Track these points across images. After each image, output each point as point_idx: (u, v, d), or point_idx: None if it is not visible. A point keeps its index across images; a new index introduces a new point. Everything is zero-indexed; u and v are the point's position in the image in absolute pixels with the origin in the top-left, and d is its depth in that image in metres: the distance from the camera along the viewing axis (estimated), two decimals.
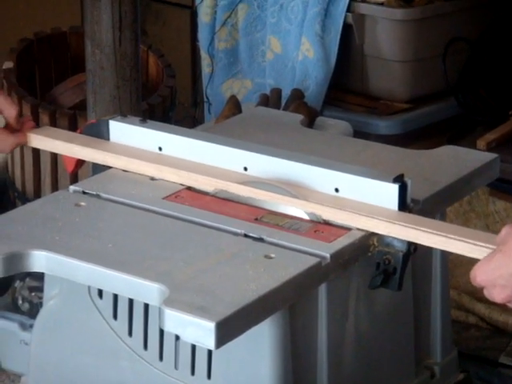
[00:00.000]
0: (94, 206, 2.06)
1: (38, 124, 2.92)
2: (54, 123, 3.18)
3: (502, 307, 3.46)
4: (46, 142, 2.17)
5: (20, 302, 3.31)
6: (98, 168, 2.20)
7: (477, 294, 3.48)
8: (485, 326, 3.48)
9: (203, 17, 3.69)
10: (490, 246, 1.87)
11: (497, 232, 1.91)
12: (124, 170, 2.16)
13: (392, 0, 3.53)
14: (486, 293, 1.72)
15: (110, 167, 2.18)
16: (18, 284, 3.24)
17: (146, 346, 1.96)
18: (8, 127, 2.15)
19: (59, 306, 2.05)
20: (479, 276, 1.71)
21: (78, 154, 2.18)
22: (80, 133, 2.24)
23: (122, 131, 2.20)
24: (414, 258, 1.98)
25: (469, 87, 3.63)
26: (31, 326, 2.34)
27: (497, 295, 1.70)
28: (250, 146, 2.11)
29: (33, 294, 3.17)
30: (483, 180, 2.33)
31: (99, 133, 2.21)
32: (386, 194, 1.98)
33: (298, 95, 3.42)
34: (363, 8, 3.53)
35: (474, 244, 1.91)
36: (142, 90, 2.99)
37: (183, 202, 2.05)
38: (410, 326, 2.17)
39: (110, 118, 2.24)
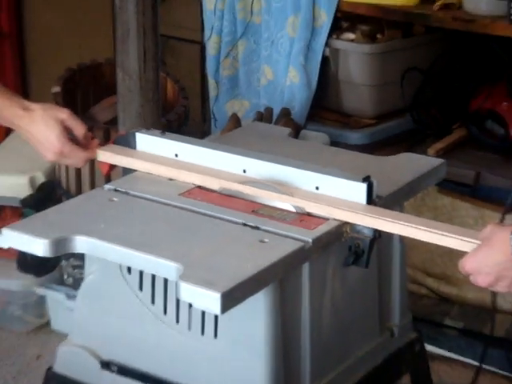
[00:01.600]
0: (124, 201, 2.05)
1: None
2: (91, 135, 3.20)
3: (447, 282, 3.46)
4: (111, 156, 2.17)
5: (65, 277, 3.31)
6: (127, 170, 2.20)
7: (427, 271, 3.48)
8: (433, 296, 3.49)
9: (210, 50, 3.69)
10: (433, 230, 1.88)
11: (444, 221, 1.92)
12: (147, 173, 2.16)
13: (360, 37, 3.52)
14: (473, 279, 1.73)
15: (136, 170, 2.18)
16: (63, 263, 3.24)
17: (165, 312, 1.96)
18: (77, 144, 2.13)
19: (96, 281, 2.05)
20: (467, 265, 1.73)
21: (133, 165, 2.19)
22: (112, 143, 2.24)
23: (146, 141, 2.20)
24: (378, 242, 1.98)
25: (421, 107, 3.63)
26: (74, 296, 2.33)
27: (481, 281, 1.72)
28: (248, 153, 2.11)
29: (75, 270, 3.17)
30: (433, 180, 2.34)
31: (128, 143, 2.21)
32: (357, 191, 1.98)
33: (286, 113, 3.42)
34: (338, 44, 3.52)
35: (425, 230, 1.92)
36: (162, 109, 2.98)
37: (195, 197, 2.05)
38: (375, 296, 2.17)
39: (136, 131, 2.24)
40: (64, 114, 2.13)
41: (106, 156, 2.18)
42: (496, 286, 1.71)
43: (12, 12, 4.18)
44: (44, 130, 2.11)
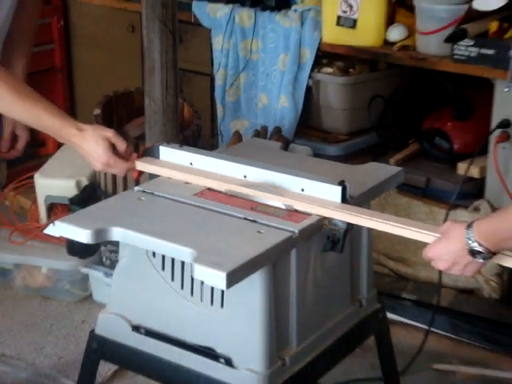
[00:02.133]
0: (150, 200, 2.06)
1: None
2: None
3: (404, 264, 3.46)
4: (146, 166, 2.19)
5: (104, 259, 3.30)
6: (153, 176, 2.20)
7: (388, 255, 3.48)
8: (393, 275, 3.49)
9: (218, 81, 3.69)
10: (394, 224, 1.88)
11: (402, 216, 1.92)
12: (168, 177, 2.16)
13: (336, 71, 3.52)
14: (434, 264, 1.76)
15: (160, 176, 2.19)
16: (102, 248, 3.24)
17: (182, 287, 1.96)
18: (119, 156, 2.14)
19: (128, 262, 2.05)
20: (430, 253, 1.76)
21: (157, 171, 2.20)
22: (141, 154, 2.23)
23: (167, 153, 2.21)
24: (350, 232, 1.98)
25: (384, 126, 3.63)
26: (111, 275, 2.33)
27: (441, 266, 1.74)
28: (247, 162, 2.12)
29: (112, 254, 3.17)
30: (393, 184, 2.33)
31: (153, 153, 2.22)
32: (333, 192, 1.98)
33: (278, 131, 3.42)
34: (318, 76, 3.52)
35: (386, 223, 1.92)
36: (179, 127, 2.98)
37: (206, 197, 2.05)
38: (347, 275, 2.17)
39: (160, 144, 2.24)
40: (109, 133, 2.15)
41: (142, 166, 2.19)
42: (452, 270, 1.73)
43: (63, 51, 4.18)
44: (94, 146, 2.12)
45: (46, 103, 2.18)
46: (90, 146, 2.13)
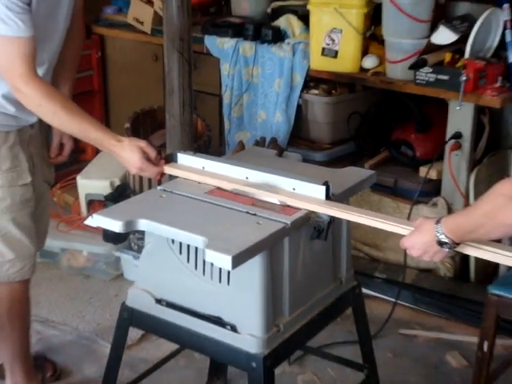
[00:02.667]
0: (169, 197, 2.05)
1: None
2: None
3: (376, 249, 3.46)
4: (171, 170, 2.18)
5: (133, 245, 3.31)
6: (172, 177, 2.19)
7: (363, 242, 3.47)
8: (367, 258, 3.50)
9: (225, 100, 3.68)
10: (369, 218, 1.87)
11: (374, 211, 1.91)
12: (185, 178, 2.15)
13: (321, 92, 3.52)
14: (408, 252, 1.76)
15: (178, 177, 2.18)
16: (131, 236, 3.25)
17: (196, 268, 1.95)
18: (150, 162, 2.14)
19: (152, 248, 2.04)
20: (405, 243, 1.75)
21: (177, 173, 2.19)
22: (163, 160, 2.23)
23: (184, 158, 2.20)
24: (332, 224, 1.97)
25: (360, 137, 3.62)
26: (138, 257, 2.33)
27: (414, 254, 1.74)
28: (249, 166, 2.11)
29: (139, 241, 3.18)
30: (367, 184, 2.31)
31: (172, 159, 2.21)
32: (319, 191, 1.97)
33: (273, 141, 3.41)
34: (307, 96, 3.51)
35: (361, 216, 1.91)
36: (193, 138, 2.98)
37: (215, 195, 2.04)
38: (330, 258, 2.16)
39: (178, 152, 2.24)
40: (143, 143, 2.16)
41: (168, 170, 2.18)
42: (423, 257, 1.73)
43: (100, 77, 4.19)
44: (130, 154, 2.13)
45: (91, 119, 2.19)
46: (127, 154, 2.14)
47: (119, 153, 2.16)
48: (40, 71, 2.20)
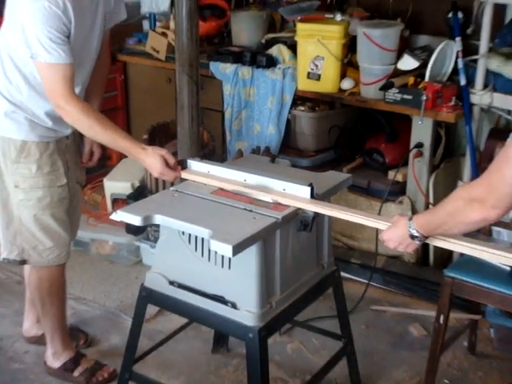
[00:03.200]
0: (181, 196, 2.05)
1: None
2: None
3: (352, 239, 3.45)
4: (187, 175, 2.17)
5: (150, 236, 3.30)
6: (183, 180, 2.19)
7: (342, 233, 3.46)
8: (346, 247, 3.49)
9: (227, 115, 3.67)
10: (348, 214, 1.86)
11: (351, 207, 1.91)
12: (193, 181, 2.15)
13: (307, 109, 3.52)
14: (386, 243, 1.75)
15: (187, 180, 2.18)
16: (149, 228, 3.24)
17: (202, 255, 1.95)
18: (170, 168, 2.16)
19: (166, 238, 2.04)
20: (384, 236, 1.75)
21: (188, 177, 2.18)
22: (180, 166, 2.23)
23: (192, 164, 2.20)
24: (316, 218, 1.97)
25: (339, 146, 3.62)
26: (155, 246, 2.33)
27: (391, 246, 1.73)
28: (247, 170, 2.11)
29: (155, 232, 3.16)
30: (345, 185, 2.32)
31: (183, 165, 2.20)
32: (305, 191, 1.98)
33: (267, 149, 3.41)
34: (295, 112, 3.51)
35: (340, 212, 1.90)
36: (200, 147, 2.97)
37: (218, 194, 2.04)
38: (314, 247, 2.17)
39: (187, 158, 2.24)
40: (164, 151, 2.17)
41: (184, 175, 2.18)
42: (398, 248, 1.73)
43: (123, 96, 4.18)
44: (153, 160, 2.14)
45: (120, 130, 2.22)
46: (150, 161, 2.15)
47: (144, 159, 2.17)
48: (76, 90, 2.22)
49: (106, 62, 2.60)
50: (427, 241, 1.69)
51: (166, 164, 2.16)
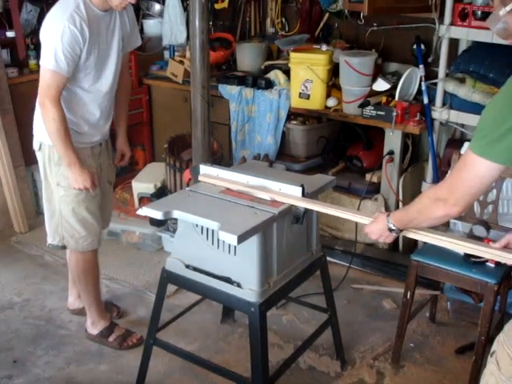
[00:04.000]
0: (194, 195, 2.04)
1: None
2: (180, 166, 3.17)
3: (336, 230, 3.45)
4: (204, 178, 2.16)
5: (170, 227, 3.29)
6: (196, 182, 2.18)
7: (327, 225, 3.45)
8: (331, 236, 3.47)
9: (232, 128, 3.66)
10: (334, 210, 1.86)
11: (335, 204, 1.89)
12: (205, 182, 2.14)
13: (299, 123, 3.51)
14: (369, 236, 1.75)
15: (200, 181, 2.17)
16: (169, 221, 3.23)
17: (212, 243, 1.95)
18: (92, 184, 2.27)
19: (183, 230, 2.04)
20: (367, 230, 1.75)
21: (207, 180, 2.17)
22: (189, 169, 2.22)
23: (204, 169, 2.18)
24: (307, 213, 1.97)
25: (326, 153, 3.60)
26: (174, 236, 2.32)
27: (373, 237, 1.73)
28: (249, 173, 2.10)
29: (174, 224, 3.15)
30: (330, 186, 2.31)
31: (196, 169, 2.19)
32: (297, 191, 1.97)
33: (266, 156, 3.41)
34: (289, 125, 3.49)
35: (324, 207, 1.90)
36: (211, 154, 2.96)
37: (225, 193, 2.03)
38: (305, 236, 2.16)
39: (200, 164, 2.23)
40: (93, 175, 2.32)
41: (202, 178, 2.16)
42: (379, 239, 1.72)
43: (148, 113, 4.18)
44: (85, 175, 2.28)
45: (72, 145, 2.23)
46: (84, 175, 2.29)
47: (77, 171, 2.22)
48: (96, 104, 2.29)
49: (127, 82, 2.59)
50: (403, 233, 1.69)
51: (93, 181, 2.26)
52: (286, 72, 3.51)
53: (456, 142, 3.23)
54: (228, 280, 1.95)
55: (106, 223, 2.66)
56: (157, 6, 4.34)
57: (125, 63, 2.47)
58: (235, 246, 1.88)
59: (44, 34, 2.12)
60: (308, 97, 3.35)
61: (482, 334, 2.21)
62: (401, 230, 1.68)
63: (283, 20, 3.97)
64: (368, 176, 3.33)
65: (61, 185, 2.32)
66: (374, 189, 3.32)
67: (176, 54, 4.04)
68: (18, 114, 3.49)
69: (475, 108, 2.93)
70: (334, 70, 3.37)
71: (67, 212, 2.35)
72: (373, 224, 1.74)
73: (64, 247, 2.45)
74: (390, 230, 1.68)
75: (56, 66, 2.09)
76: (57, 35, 2.07)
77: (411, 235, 1.71)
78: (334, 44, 3.58)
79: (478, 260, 2.22)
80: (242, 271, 1.92)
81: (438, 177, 3.15)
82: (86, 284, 2.52)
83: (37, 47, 3.51)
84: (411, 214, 1.59)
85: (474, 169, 1.32)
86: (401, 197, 3.25)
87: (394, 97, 3.14)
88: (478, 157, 1.30)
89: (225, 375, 2.14)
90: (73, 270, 2.53)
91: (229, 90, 3.61)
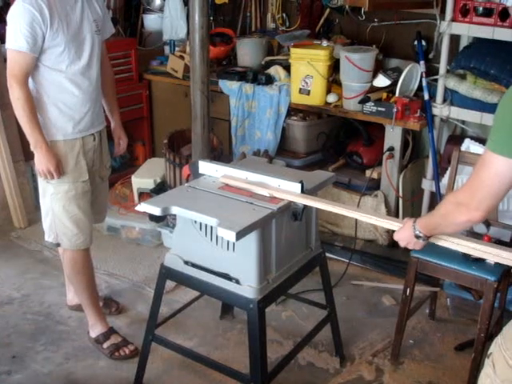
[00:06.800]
0: (193, 191, 2.03)
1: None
2: (180, 161, 3.15)
3: (336, 226, 3.44)
4: (226, 180, 2.15)
5: (169, 223, 3.28)
6: (195, 177, 2.17)
7: (327, 221, 3.44)
8: (330, 233, 3.46)
9: (233, 124, 3.65)
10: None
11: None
12: (204, 178, 2.13)
13: (299, 119, 3.50)
14: (399, 243, 1.68)
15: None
16: (168, 217, 3.22)
17: (211, 239, 1.94)
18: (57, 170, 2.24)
19: (182, 225, 2.03)
20: (396, 237, 1.68)
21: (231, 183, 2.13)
22: (188, 165, 2.21)
23: (203, 165, 2.17)
24: (306, 209, 1.96)
25: (325, 149, 3.60)
26: (173, 232, 2.31)
27: (402, 244, 1.67)
28: (248, 169, 2.09)
29: (173, 220, 3.14)
30: (330, 182, 2.28)
31: (196, 165, 2.18)
32: (296, 187, 1.96)
33: (266, 152, 3.39)
34: (289, 121, 3.48)
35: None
36: (210, 150, 2.95)
37: (224, 189, 2.02)
38: (304, 233, 2.15)
39: (200, 159, 2.21)
40: (58, 160, 2.27)
41: (224, 179, 2.11)
42: (408, 246, 1.66)
43: (148, 108, 4.16)
44: (51, 158, 2.24)
45: (39, 125, 2.22)
46: (48, 156, 2.24)
47: (43, 152, 2.20)
48: (77, 86, 2.28)
49: (109, 70, 2.59)
50: (431, 239, 1.62)
51: (57, 166, 2.23)
52: (287, 68, 3.49)
53: (456, 138, 3.21)
54: (227, 276, 1.94)
55: (101, 217, 2.65)
56: (157, 1, 4.34)
57: (103, 51, 2.46)
58: (234, 243, 1.86)
59: (7, 19, 2.15)
60: (308, 92, 3.34)
61: (481, 330, 2.20)
62: (428, 237, 1.60)
63: (284, 15, 3.95)
64: (368, 172, 3.32)
65: (50, 182, 2.30)
66: (374, 185, 3.31)
67: (176, 49, 4.02)
68: None
69: (476, 104, 2.92)
70: (334, 66, 3.35)
71: (58, 209, 2.34)
72: (400, 231, 1.66)
73: (59, 245, 2.44)
74: (417, 237, 1.61)
75: (15, 44, 2.12)
76: (16, 16, 2.12)
77: (441, 243, 1.62)
78: (334, 40, 3.57)
79: (478, 257, 2.20)
80: (240, 268, 1.91)
81: (438, 173, 3.14)
82: (77, 284, 2.50)
83: None
84: (435, 220, 1.53)
85: (491, 167, 1.27)
86: (401, 193, 3.24)
87: (394, 93, 3.13)
88: (494, 154, 1.26)
89: (223, 371, 2.13)
90: (66, 268, 2.52)
91: (229, 86, 3.60)
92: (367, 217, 1.78)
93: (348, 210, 1.83)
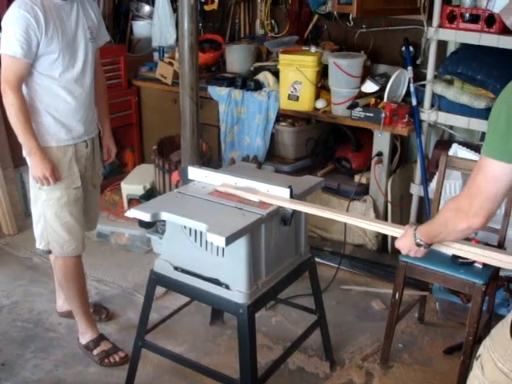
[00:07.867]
0: (182, 197, 2.03)
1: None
2: (169, 167, 3.14)
3: (325, 231, 3.45)
4: (223, 188, 2.15)
5: (158, 229, 3.28)
6: (185, 183, 2.17)
7: (316, 226, 3.45)
8: (320, 238, 3.47)
9: (222, 129, 3.65)
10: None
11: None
12: (193, 184, 2.13)
13: (288, 124, 3.51)
14: (401, 250, 1.67)
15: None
16: (158, 223, 3.21)
17: (201, 245, 1.94)
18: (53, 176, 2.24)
19: (171, 231, 2.03)
20: (397, 245, 1.67)
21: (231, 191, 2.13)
22: (178, 171, 2.21)
23: (192, 170, 2.18)
24: (295, 215, 1.97)
25: (314, 155, 3.61)
26: (163, 238, 2.31)
27: (403, 252, 1.66)
28: (238, 175, 2.10)
29: (163, 226, 3.13)
30: (319, 187, 2.29)
31: (185, 171, 2.19)
32: (285, 192, 1.97)
33: (255, 157, 3.41)
34: (278, 127, 3.49)
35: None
36: (200, 156, 2.95)
37: (214, 195, 2.03)
38: (293, 238, 2.16)
39: (189, 165, 2.22)
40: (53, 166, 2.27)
41: (221, 188, 2.11)
42: (410, 254, 1.65)
43: (137, 114, 4.14)
44: (46, 163, 2.24)
45: (33, 131, 2.21)
46: (43, 162, 2.23)
47: (38, 158, 2.19)
48: (69, 94, 2.27)
49: (102, 78, 2.60)
50: (433, 246, 1.60)
51: (53, 172, 2.22)
52: (275, 73, 3.51)
53: (444, 143, 3.24)
54: (216, 282, 1.94)
55: (93, 225, 2.64)
56: (146, 8, 4.35)
57: (97, 59, 2.46)
58: (223, 248, 1.87)
59: (2, 24, 2.16)
60: (297, 98, 3.36)
61: (470, 334, 2.22)
62: (429, 245, 1.58)
63: (272, 22, 3.98)
64: (357, 177, 3.34)
65: (42, 188, 2.30)
66: (363, 190, 3.33)
67: (165, 55, 4.03)
68: (6, 116, 3.45)
69: (463, 110, 2.95)
70: (322, 72, 3.37)
71: (50, 216, 2.33)
72: (402, 239, 1.65)
73: (50, 252, 2.42)
74: (418, 244, 1.59)
75: (10, 50, 2.12)
76: (11, 22, 2.11)
77: (444, 249, 1.60)
78: (323, 46, 3.59)
79: (466, 261, 2.22)
80: (230, 273, 1.92)
81: (427, 178, 3.16)
82: (68, 291, 2.49)
83: None
84: (436, 228, 1.51)
85: (487, 172, 1.27)
86: (389, 198, 3.27)
87: (382, 98, 3.16)
88: (490, 159, 1.26)
89: (214, 377, 2.13)
90: (57, 275, 2.51)
91: (218, 92, 3.61)
92: (369, 224, 1.77)
93: (347, 217, 1.83)
